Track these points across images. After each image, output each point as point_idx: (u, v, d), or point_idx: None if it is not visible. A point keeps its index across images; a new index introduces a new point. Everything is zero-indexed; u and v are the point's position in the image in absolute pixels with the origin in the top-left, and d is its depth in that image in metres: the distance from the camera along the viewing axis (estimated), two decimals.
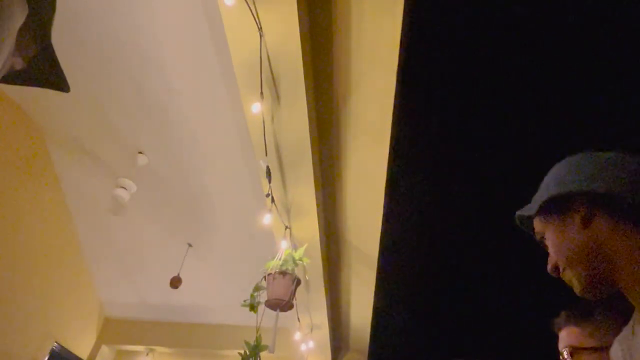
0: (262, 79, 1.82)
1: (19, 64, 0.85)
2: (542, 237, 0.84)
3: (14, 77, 0.86)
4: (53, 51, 0.90)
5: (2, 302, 3.54)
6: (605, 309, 0.99)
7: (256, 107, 1.90)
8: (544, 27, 2.36)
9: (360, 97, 2.22)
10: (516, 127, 3.00)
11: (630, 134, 2.58)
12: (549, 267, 0.82)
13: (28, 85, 0.92)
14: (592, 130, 2.70)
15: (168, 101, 2.97)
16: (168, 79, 2.82)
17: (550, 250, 0.81)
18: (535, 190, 0.87)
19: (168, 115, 3.07)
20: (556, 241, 0.79)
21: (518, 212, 0.89)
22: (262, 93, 1.85)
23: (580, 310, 1.03)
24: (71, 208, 4.15)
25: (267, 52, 1.78)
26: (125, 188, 3.55)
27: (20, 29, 0.79)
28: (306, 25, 1.83)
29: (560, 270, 0.79)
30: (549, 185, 0.82)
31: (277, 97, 1.97)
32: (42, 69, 0.90)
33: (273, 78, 1.89)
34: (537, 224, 0.84)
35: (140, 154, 3.40)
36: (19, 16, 0.76)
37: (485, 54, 2.55)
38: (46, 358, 4.13)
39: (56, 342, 4.25)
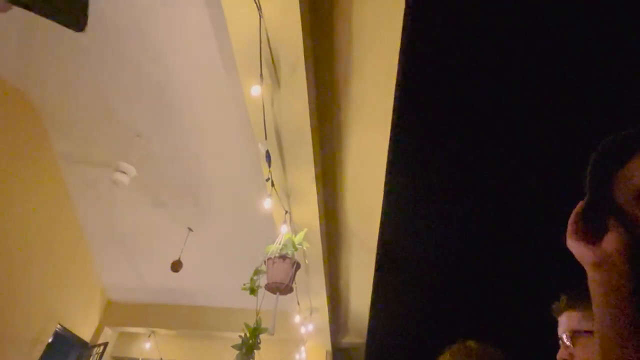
0: (262, 61, 1.79)
1: None
2: None
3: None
4: None
5: (7, 286, 3.58)
6: None
7: (256, 90, 1.87)
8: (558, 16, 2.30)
9: (361, 80, 2.19)
10: (522, 110, 2.97)
11: None
12: None
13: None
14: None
15: (167, 85, 2.94)
16: (167, 62, 2.78)
17: None
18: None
19: (167, 99, 3.04)
20: None
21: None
22: (261, 75, 1.82)
23: (580, 294, 1.02)
24: (72, 193, 4.15)
25: (267, 34, 1.74)
26: (124, 172, 3.54)
27: None
28: (306, 6, 1.79)
29: None
30: None
31: (276, 79, 1.94)
32: None
33: (273, 60, 1.86)
34: None
35: (139, 138, 3.39)
36: None
37: (490, 37, 2.50)
38: (50, 339, 4.20)
39: (60, 324, 4.31)
